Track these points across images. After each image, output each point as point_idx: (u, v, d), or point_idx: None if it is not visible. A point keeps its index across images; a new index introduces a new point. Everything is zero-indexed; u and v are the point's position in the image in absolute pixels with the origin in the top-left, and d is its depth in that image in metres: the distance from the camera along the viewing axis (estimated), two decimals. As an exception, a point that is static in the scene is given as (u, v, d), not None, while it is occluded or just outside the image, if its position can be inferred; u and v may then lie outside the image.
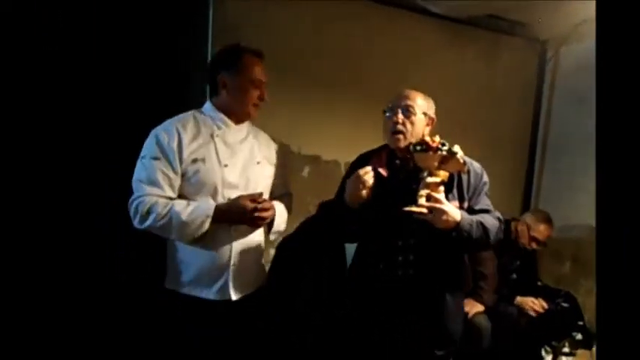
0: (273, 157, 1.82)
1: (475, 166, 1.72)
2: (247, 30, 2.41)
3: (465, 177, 1.67)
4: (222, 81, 1.67)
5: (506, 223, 2.83)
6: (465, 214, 1.58)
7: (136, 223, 1.57)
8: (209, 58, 2.42)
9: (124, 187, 1.67)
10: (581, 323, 2.77)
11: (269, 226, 1.73)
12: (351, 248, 2.49)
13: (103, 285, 2.23)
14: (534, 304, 2.68)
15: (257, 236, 1.73)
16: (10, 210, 2.08)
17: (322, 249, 2.48)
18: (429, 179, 1.54)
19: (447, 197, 1.59)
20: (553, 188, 3.36)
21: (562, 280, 3.18)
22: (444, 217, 1.51)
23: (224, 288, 1.63)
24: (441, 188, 1.55)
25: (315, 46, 2.70)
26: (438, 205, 1.51)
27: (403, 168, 1.70)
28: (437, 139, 1.56)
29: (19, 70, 2.05)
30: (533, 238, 2.78)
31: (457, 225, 1.54)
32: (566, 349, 2.61)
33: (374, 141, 3.12)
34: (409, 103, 1.67)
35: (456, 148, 1.56)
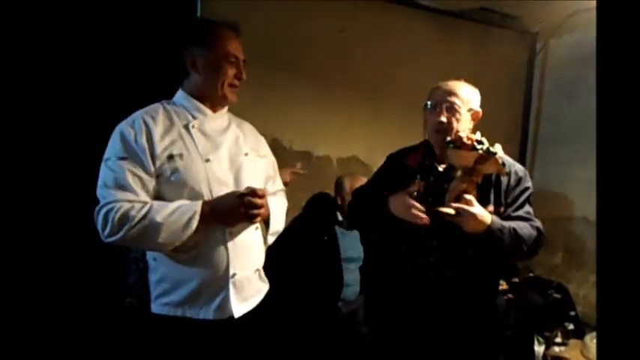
0: (260, 149, 1.61)
1: (517, 168, 1.58)
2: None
3: (504, 180, 1.53)
4: (191, 59, 1.43)
5: None
6: (497, 219, 1.45)
7: (105, 235, 1.31)
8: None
9: None
10: (573, 313, 2.79)
11: (267, 227, 1.53)
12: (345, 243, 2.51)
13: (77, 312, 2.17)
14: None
15: (257, 240, 1.50)
16: (12, 212, 2.07)
17: (314, 245, 2.49)
18: (462, 179, 1.42)
19: (482, 201, 1.46)
20: (544, 180, 3.37)
21: (554, 271, 3.21)
22: (473, 221, 1.38)
23: (224, 304, 1.39)
24: (475, 191, 1.43)
25: (305, 41, 2.69)
26: (466, 207, 1.38)
27: (435, 167, 1.59)
28: (476, 136, 1.42)
29: (18, 70, 2.05)
30: None
31: (486, 230, 1.40)
32: (558, 339, 2.63)
33: (366, 136, 3.14)
34: (454, 100, 1.55)
35: (496, 148, 1.41)
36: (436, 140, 1.58)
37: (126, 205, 1.29)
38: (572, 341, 2.60)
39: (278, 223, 1.57)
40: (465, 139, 1.40)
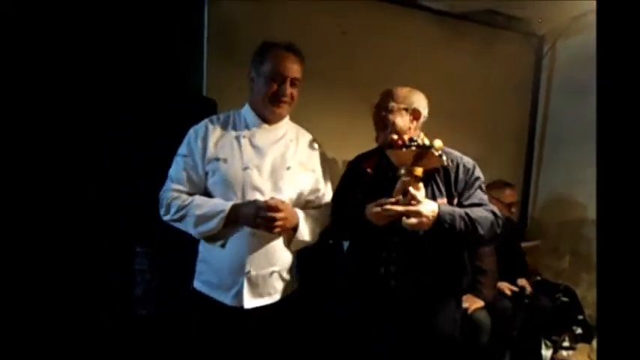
0: (311, 163, 1.71)
1: (465, 161, 1.68)
2: (243, 29, 2.40)
3: (452, 173, 1.64)
4: (251, 77, 1.65)
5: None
6: (445, 207, 1.55)
7: (161, 215, 1.62)
8: (205, 58, 2.40)
9: (132, 184, 1.69)
10: (581, 317, 2.77)
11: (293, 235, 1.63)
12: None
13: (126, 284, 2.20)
14: (508, 288, 2.66)
15: (278, 245, 1.61)
16: (15, 213, 2.06)
17: (318, 249, 2.48)
18: (405, 177, 1.51)
19: (433, 194, 1.58)
20: (551, 182, 3.36)
21: (562, 274, 3.18)
22: (420, 217, 1.47)
23: (239, 294, 1.56)
24: (420, 185, 1.52)
25: (310, 43, 2.68)
26: (411, 208, 1.47)
27: (389, 167, 1.65)
28: (416, 136, 1.55)
29: (20, 70, 2.03)
30: (507, 205, 2.80)
31: (437, 218, 1.50)
32: (566, 344, 2.61)
33: (371, 138, 3.12)
34: (389, 100, 1.69)
35: (436, 143, 1.53)
36: (375, 140, 1.75)
37: (175, 195, 1.59)
38: (580, 345, 2.58)
39: (304, 235, 1.63)
40: (396, 139, 1.53)
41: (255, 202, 1.52)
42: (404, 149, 1.51)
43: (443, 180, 1.64)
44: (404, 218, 1.48)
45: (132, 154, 2.16)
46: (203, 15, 2.41)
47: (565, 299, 2.80)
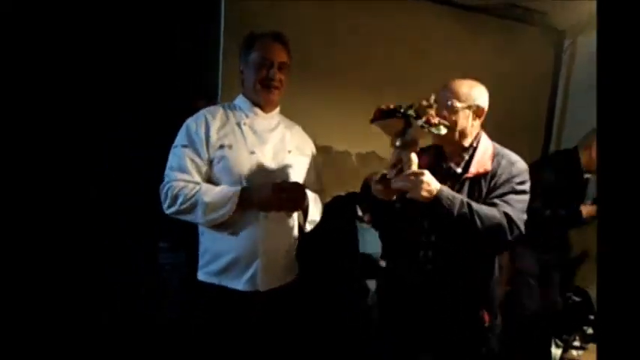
0: (306, 149, 1.77)
1: (515, 169, 1.55)
2: (259, 28, 2.40)
3: (496, 178, 1.52)
4: (240, 69, 1.69)
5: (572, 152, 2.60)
6: (448, 190, 1.45)
7: (165, 208, 1.59)
8: (221, 58, 2.40)
9: (146, 178, 1.68)
10: (592, 317, 2.75)
11: (304, 216, 1.68)
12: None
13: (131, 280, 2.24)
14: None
15: (289, 226, 1.67)
16: (16, 212, 2.07)
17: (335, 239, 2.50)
18: (399, 148, 1.43)
19: (473, 197, 1.49)
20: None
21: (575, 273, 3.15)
22: (421, 186, 1.39)
23: (253, 278, 1.58)
24: (413, 155, 1.42)
25: (328, 38, 2.68)
26: (413, 178, 1.40)
27: (449, 168, 1.59)
28: (475, 133, 1.55)
29: (21, 70, 2.03)
30: None
31: (435, 197, 1.41)
32: (576, 343, 2.60)
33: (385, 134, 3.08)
34: (450, 97, 1.54)
35: (430, 109, 1.40)
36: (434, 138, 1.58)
37: (181, 184, 1.56)
38: (590, 345, 2.56)
39: (314, 213, 1.72)
40: (376, 111, 1.42)
41: (268, 183, 1.55)
42: (383, 119, 1.40)
43: (487, 184, 1.53)
44: (394, 182, 1.43)
45: (132, 154, 2.17)
46: (220, 14, 2.39)
47: (577, 299, 2.78)
